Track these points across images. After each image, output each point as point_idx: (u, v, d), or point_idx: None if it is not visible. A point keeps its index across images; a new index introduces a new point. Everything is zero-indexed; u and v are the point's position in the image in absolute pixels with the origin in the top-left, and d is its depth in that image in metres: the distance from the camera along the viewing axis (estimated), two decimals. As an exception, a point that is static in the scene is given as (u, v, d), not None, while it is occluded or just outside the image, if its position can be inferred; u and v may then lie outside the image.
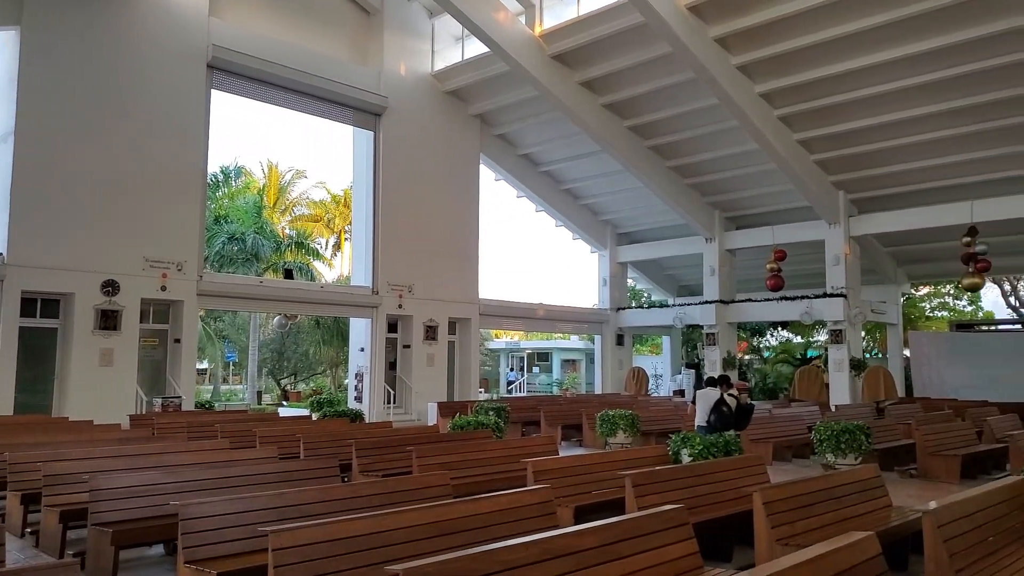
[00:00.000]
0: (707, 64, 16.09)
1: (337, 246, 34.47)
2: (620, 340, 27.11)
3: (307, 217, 33.85)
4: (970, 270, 18.89)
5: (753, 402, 12.94)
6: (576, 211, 26.32)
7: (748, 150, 19.25)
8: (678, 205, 22.50)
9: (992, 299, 35.50)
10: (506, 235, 52.65)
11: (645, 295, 34.25)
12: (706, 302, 23.80)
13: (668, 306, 27.97)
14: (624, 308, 27.39)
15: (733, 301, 23.77)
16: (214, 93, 17.94)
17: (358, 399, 20.20)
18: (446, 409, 16.84)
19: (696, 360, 29.95)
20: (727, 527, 6.86)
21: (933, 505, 4.95)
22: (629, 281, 30.08)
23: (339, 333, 28.04)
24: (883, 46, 15.59)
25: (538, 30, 18.52)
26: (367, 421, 15.63)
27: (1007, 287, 34.57)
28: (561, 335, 35.38)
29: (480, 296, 23.01)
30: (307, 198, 34.12)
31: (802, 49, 16.15)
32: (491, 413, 13.40)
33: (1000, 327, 30.71)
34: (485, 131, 23.16)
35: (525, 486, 6.43)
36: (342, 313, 22.10)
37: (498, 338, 41.03)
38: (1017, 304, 34.66)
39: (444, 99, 22.04)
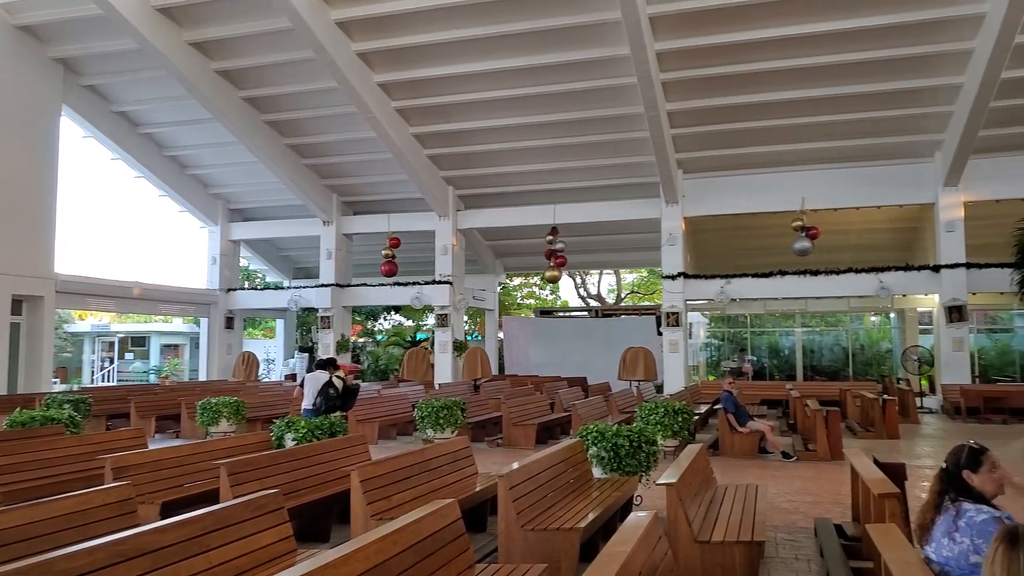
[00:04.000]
0: (327, 45, 15.91)
1: None
2: (230, 323, 25.66)
3: None
4: (551, 264, 21.79)
5: (359, 383, 13.23)
6: (183, 181, 24.13)
7: (366, 137, 19.57)
8: (295, 185, 22.00)
9: (569, 289, 41.60)
10: (96, 202, 46.28)
11: (259, 276, 32.96)
12: (322, 285, 23.72)
13: (283, 288, 27.29)
14: (235, 289, 25.97)
15: (349, 285, 24.08)
16: None
17: None
18: (5, 404, 14.14)
19: (310, 343, 29.75)
20: (328, 508, 6.90)
21: (506, 470, 5.53)
22: (242, 260, 28.64)
23: None
24: (489, 56, 16.99)
25: (141, -25, 16.46)
26: None
27: (579, 280, 40.74)
28: (162, 317, 32.25)
29: (57, 271, 19.73)
30: None
31: (419, 46, 16.86)
32: (66, 406, 11.63)
33: (573, 314, 36.10)
34: (70, 79, 19.88)
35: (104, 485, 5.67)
36: None
37: (82, 320, 35.93)
38: (585, 295, 41.03)
39: (13, 34, 18.35)
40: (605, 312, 33.28)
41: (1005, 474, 3.39)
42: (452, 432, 11.77)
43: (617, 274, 40.51)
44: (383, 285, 23.65)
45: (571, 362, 25.44)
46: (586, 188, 21.66)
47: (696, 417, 13.75)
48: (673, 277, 20.44)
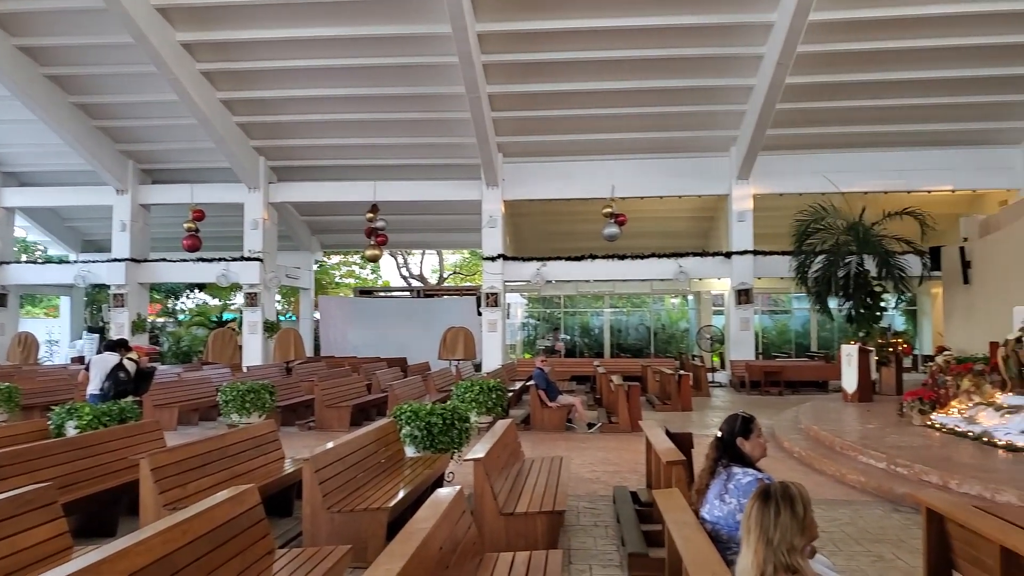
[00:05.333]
0: (122, -4, 14.46)
1: None
2: (3, 300, 22.84)
3: None
4: (371, 243, 21.38)
5: (155, 365, 12.30)
6: (-59, 139, 21.07)
7: (167, 100, 18.04)
8: (83, 148, 19.85)
9: (391, 269, 41.10)
10: None
11: (40, 248, 29.57)
12: (115, 260, 21.70)
13: (69, 262, 24.68)
14: (9, 262, 23.12)
15: (146, 260, 22.23)
16: None
17: None
18: None
19: (101, 323, 27.24)
20: (116, 500, 6.38)
21: (311, 453, 5.35)
22: (17, 231, 25.52)
23: None
24: (305, 22, 16.19)
25: None
26: None
27: (400, 260, 40.39)
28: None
29: None
30: None
31: (228, 6, 15.77)
32: None
33: (394, 294, 35.72)
34: None
35: None
36: None
37: None
38: (408, 275, 40.78)
39: None
40: (427, 292, 33.28)
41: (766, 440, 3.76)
42: (260, 416, 11.26)
43: (440, 255, 40.64)
44: (185, 261, 22.05)
45: (392, 342, 25.24)
46: (408, 166, 21.43)
47: (510, 394, 14.15)
48: (493, 259, 20.81)
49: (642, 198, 21.02)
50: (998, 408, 9.01)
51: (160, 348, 26.86)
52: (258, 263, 21.32)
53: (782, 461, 9.24)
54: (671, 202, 22.14)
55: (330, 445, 5.73)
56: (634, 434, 11.38)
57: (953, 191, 20.26)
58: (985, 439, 8.39)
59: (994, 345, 10.05)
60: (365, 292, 33.37)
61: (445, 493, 3.84)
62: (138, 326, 21.63)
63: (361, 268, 38.89)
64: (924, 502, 3.85)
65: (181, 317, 32.19)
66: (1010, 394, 9.29)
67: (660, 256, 20.89)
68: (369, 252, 21.75)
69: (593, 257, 20.96)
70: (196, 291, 32.32)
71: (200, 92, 17.62)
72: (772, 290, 26.19)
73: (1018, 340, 9.65)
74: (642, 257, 20.94)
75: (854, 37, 16.23)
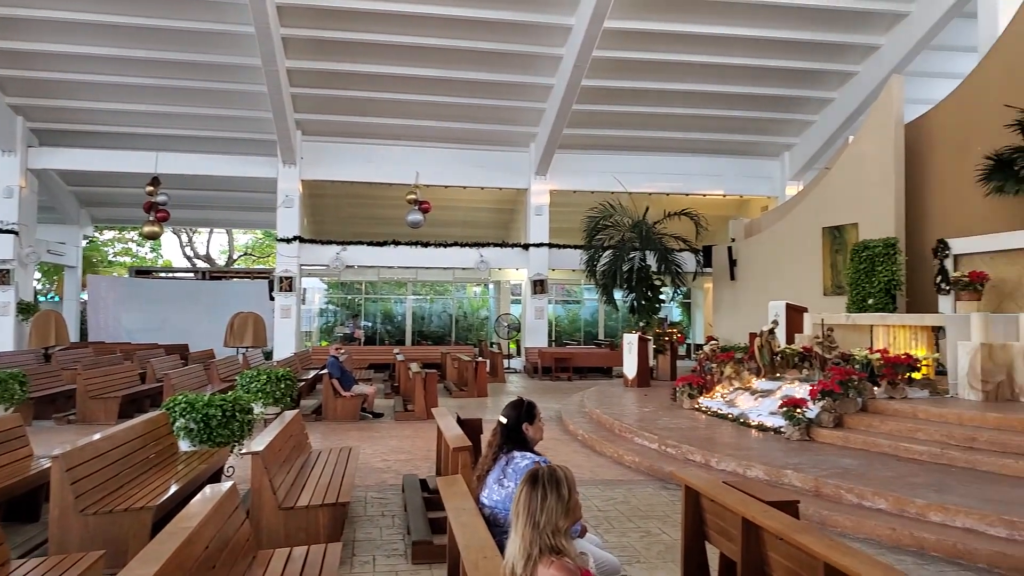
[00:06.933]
0: None
1: None
2: None
3: None
4: (151, 219, 19.59)
5: None
6: None
7: None
8: None
9: (173, 248, 38.06)
10: None
11: None
12: None
13: None
14: None
15: None
16: None
17: None
18: None
19: None
20: None
21: (61, 450, 4.78)
22: None
23: None
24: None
25: None
26: None
27: (184, 238, 37.52)
28: None
29: None
30: None
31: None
32: None
33: (176, 275, 33.09)
34: None
35: None
36: None
37: None
38: (192, 254, 37.99)
39: None
40: (214, 274, 31.17)
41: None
42: (6, 409, 9.94)
43: (229, 234, 38.29)
44: (-83, 230, 18.97)
45: (172, 327, 23.42)
46: (196, 138, 19.89)
47: (302, 383, 13.65)
48: (288, 241, 19.93)
49: (446, 187, 21.13)
50: (753, 392, 10.07)
51: None
52: (12, 236, 18.79)
53: (567, 444, 9.70)
54: (474, 193, 22.45)
55: (86, 440, 5.15)
56: (429, 422, 11.40)
57: (724, 196, 22.36)
58: (742, 420, 9.35)
59: (752, 335, 11.20)
60: (142, 272, 30.63)
61: (216, 489, 3.58)
62: None
63: (139, 246, 35.67)
64: (683, 480, 4.18)
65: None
66: (763, 380, 10.41)
67: (463, 245, 21.16)
68: (147, 228, 19.85)
69: (396, 243, 20.77)
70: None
71: (-61, 34, 15.17)
72: (565, 281, 27.45)
73: (771, 331, 10.84)
74: (445, 245, 21.08)
75: (643, 47, 17.36)
